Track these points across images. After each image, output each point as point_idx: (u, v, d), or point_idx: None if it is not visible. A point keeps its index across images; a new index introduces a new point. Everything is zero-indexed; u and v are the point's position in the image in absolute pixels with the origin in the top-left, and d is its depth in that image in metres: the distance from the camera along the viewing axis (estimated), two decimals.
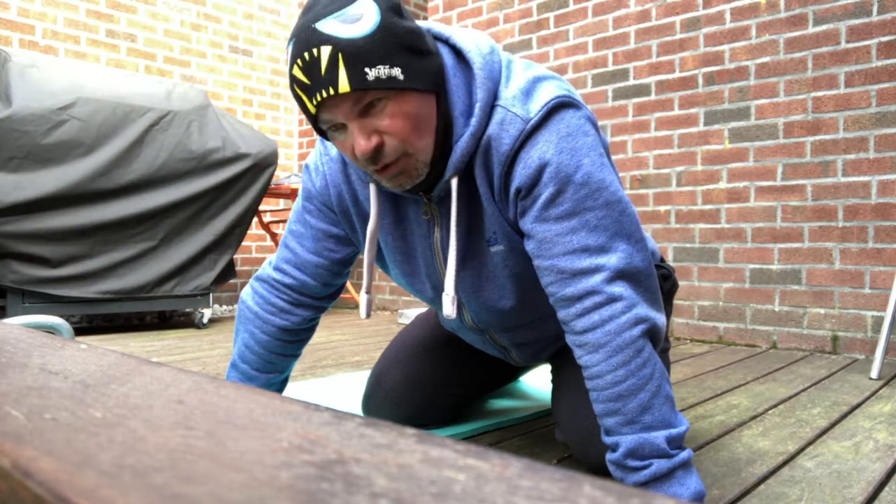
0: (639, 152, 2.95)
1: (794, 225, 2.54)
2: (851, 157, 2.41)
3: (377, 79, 0.81)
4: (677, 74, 2.83)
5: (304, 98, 0.84)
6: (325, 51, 0.80)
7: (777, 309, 2.58)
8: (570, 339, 0.93)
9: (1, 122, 2.47)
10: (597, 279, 0.88)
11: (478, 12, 3.54)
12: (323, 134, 0.91)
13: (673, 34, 2.85)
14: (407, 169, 0.89)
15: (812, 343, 2.50)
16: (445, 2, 3.69)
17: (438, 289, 1.09)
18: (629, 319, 0.88)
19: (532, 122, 0.89)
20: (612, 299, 0.88)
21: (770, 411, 1.57)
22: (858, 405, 1.63)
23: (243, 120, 4.04)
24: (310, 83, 0.82)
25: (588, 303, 0.89)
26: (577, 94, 0.97)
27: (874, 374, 1.95)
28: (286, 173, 4.28)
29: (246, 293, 1.20)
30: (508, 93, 0.92)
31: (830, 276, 2.45)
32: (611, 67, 3.04)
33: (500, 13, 3.44)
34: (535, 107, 0.90)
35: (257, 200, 3.16)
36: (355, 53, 0.80)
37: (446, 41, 0.95)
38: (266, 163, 3.15)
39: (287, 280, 1.15)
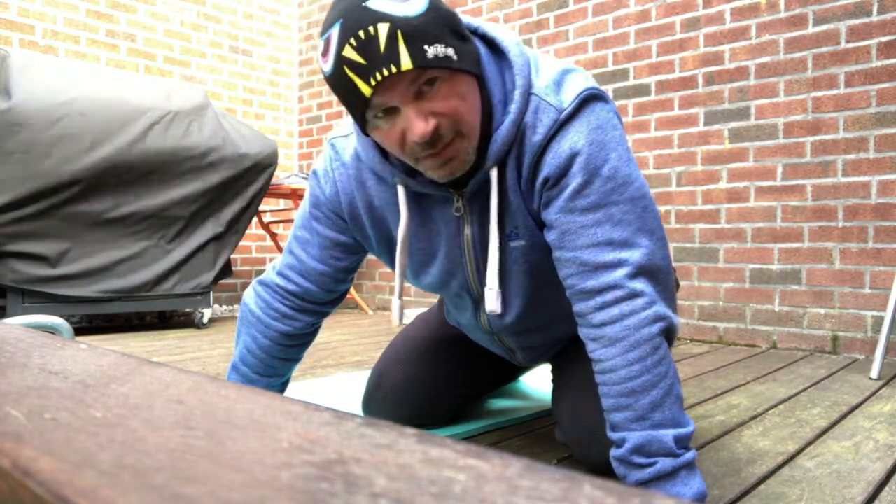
0: (639, 152, 2.95)
1: (794, 225, 2.54)
2: (851, 157, 2.41)
3: (436, 57, 0.79)
4: (677, 74, 2.83)
5: (358, 80, 0.80)
6: (383, 28, 0.77)
7: (777, 309, 2.58)
8: (584, 333, 0.93)
9: (1, 115, 2.46)
10: (619, 274, 0.88)
11: (478, 12, 3.54)
12: (364, 126, 0.88)
13: (673, 34, 2.85)
14: (459, 152, 0.87)
15: (812, 343, 2.50)
16: (445, 2, 3.69)
17: (464, 287, 1.08)
18: (649, 316, 0.88)
19: (566, 112, 0.89)
20: (634, 295, 0.88)
21: (770, 411, 1.57)
22: (858, 405, 1.63)
23: (243, 120, 4.04)
24: (366, 63, 0.78)
25: (609, 297, 0.88)
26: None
27: (874, 374, 1.95)
28: (286, 173, 4.28)
29: (248, 296, 1.19)
30: (541, 82, 0.91)
31: (830, 276, 2.45)
32: (611, 67, 3.04)
33: (500, 13, 3.44)
34: (568, 97, 0.90)
35: (257, 200, 3.16)
36: (413, 31, 0.78)
37: (475, 31, 0.95)
38: (266, 163, 3.15)
39: (290, 286, 1.14)
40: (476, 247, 1.02)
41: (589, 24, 3.11)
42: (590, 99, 0.91)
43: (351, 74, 0.80)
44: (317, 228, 1.10)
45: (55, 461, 0.27)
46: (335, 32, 0.80)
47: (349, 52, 0.79)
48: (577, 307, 0.93)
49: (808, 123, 2.50)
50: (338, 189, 1.06)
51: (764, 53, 2.61)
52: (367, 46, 0.78)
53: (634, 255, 0.89)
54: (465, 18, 0.96)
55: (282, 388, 1.26)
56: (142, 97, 2.84)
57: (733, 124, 2.68)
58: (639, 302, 0.88)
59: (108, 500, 0.23)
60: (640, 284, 0.88)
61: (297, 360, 1.23)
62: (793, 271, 2.54)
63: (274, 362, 1.19)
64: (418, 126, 0.81)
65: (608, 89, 3.04)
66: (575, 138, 0.89)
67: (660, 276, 0.91)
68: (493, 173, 0.93)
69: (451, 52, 0.81)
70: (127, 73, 2.99)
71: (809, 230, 2.50)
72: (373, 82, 0.79)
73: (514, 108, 0.90)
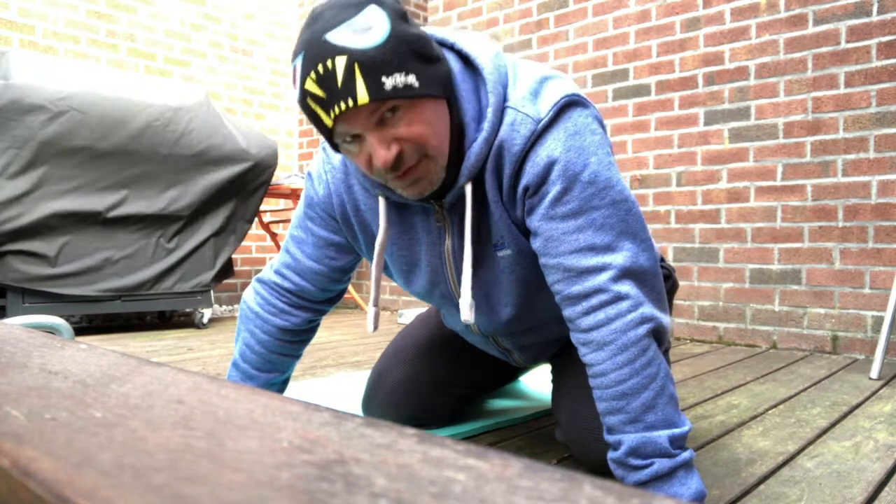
0: (639, 152, 2.95)
1: (794, 225, 2.54)
2: (851, 157, 2.41)
3: (394, 87, 0.80)
4: (677, 74, 2.83)
5: (320, 112, 0.82)
6: (341, 62, 0.79)
7: (777, 309, 2.58)
8: (574, 337, 0.93)
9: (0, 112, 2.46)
10: (603, 278, 0.88)
11: (478, 12, 3.54)
12: (335, 147, 0.90)
13: (673, 34, 2.85)
14: (426, 174, 0.88)
15: (812, 343, 2.50)
16: (445, 2, 3.69)
17: (446, 296, 1.09)
18: (635, 318, 0.88)
19: (543, 121, 0.90)
20: (619, 298, 0.88)
21: (770, 411, 1.57)
22: (858, 405, 1.63)
23: (243, 120, 4.04)
24: (325, 96, 0.81)
25: (594, 301, 0.89)
26: (582, 92, 0.97)
27: (874, 374, 1.95)
28: (286, 173, 4.28)
29: (248, 294, 1.21)
30: (517, 94, 0.92)
31: (830, 276, 2.45)
32: (611, 67, 3.04)
33: (500, 13, 3.44)
34: (545, 106, 0.90)
35: (257, 200, 3.16)
36: (371, 64, 0.79)
37: (451, 47, 0.95)
38: (266, 163, 3.15)
39: (287, 284, 1.16)
40: (456, 257, 1.03)
41: (589, 24, 3.10)
42: (567, 106, 0.91)
43: (314, 105, 0.82)
44: (311, 228, 1.12)
45: (55, 461, 0.27)
46: (299, 63, 0.83)
47: (310, 85, 0.81)
48: (566, 312, 0.93)
49: (808, 123, 2.50)
50: (330, 191, 1.07)
51: (764, 53, 2.61)
52: (326, 80, 0.80)
53: (618, 259, 0.89)
54: (441, 32, 0.95)
55: (282, 386, 1.26)
56: (141, 95, 2.83)
57: (733, 124, 2.68)
58: (624, 305, 0.88)
59: (108, 500, 0.23)
60: (625, 287, 0.88)
61: (296, 356, 1.24)
62: (793, 271, 2.54)
63: (273, 358, 1.20)
64: (380, 153, 0.83)
65: (608, 89, 3.04)
66: (552, 146, 0.89)
67: (646, 277, 0.91)
68: (468, 188, 0.94)
69: (412, 79, 0.82)
70: (127, 73, 2.98)
71: (809, 230, 2.50)
72: (332, 115, 0.82)
73: (486, 125, 0.90)
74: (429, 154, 0.87)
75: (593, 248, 0.89)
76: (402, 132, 0.84)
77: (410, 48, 0.82)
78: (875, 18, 2.36)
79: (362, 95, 0.79)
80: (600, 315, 0.89)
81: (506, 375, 1.50)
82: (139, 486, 0.24)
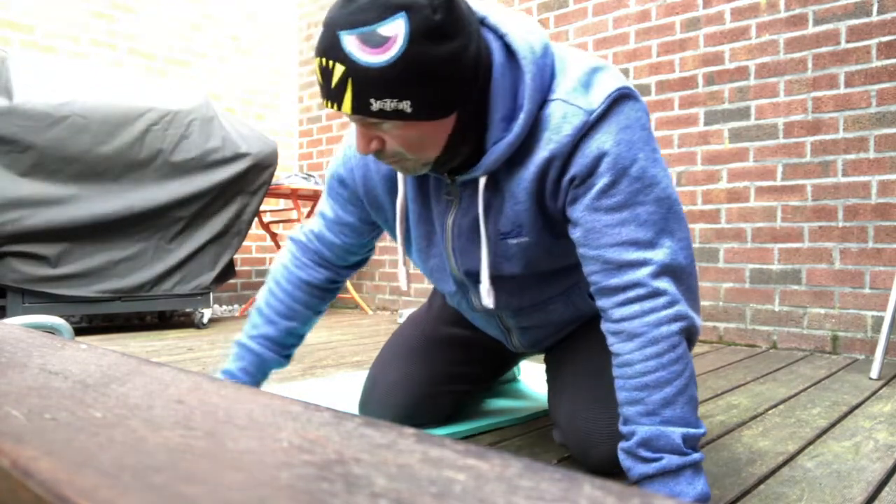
0: None
1: (794, 225, 2.54)
2: (851, 157, 2.41)
3: (381, 111, 0.82)
4: (677, 74, 2.83)
5: (321, 89, 0.87)
6: (339, 69, 0.81)
7: (777, 309, 2.58)
8: (605, 327, 0.94)
9: (1, 115, 2.46)
10: (643, 272, 0.89)
11: None
12: None
13: (673, 34, 2.85)
14: (404, 168, 0.93)
15: (812, 343, 2.50)
16: None
17: (445, 269, 1.12)
18: (669, 315, 0.88)
19: (595, 113, 0.89)
20: (657, 293, 0.89)
21: (770, 411, 1.57)
22: (858, 405, 1.63)
23: (243, 120, 4.04)
24: (323, 84, 0.85)
25: (631, 294, 0.90)
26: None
27: (874, 374, 1.95)
28: (286, 173, 4.28)
29: (280, 252, 1.30)
30: (567, 85, 0.91)
31: (830, 276, 2.45)
32: None
33: None
34: (597, 98, 0.90)
35: (257, 200, 3.16)
36: (364, 83, 0.80)
37: (502, 36, 0.92)
38: (266, 163, 3.15)
39: (311, 246, 1.25)
40: (455, 232, 1.04)
41: (589, 24, 3.10)
42: (620, 99, 0.91)
43: (317, 80, 0.88)
44: (332, 205, 1.19)
45: (55, 461, 0.27)
46: (319, 36, 0.85)
47: (316, 67, 0.85)
48: (600, 302, 0.94)
49: (808, 123, 2.50)
50: (352, 165, 1.11)
51: (764, 53, 2.61)
52: (325, 75, 0.84)
53: (658, 255, 0.89)
54: (495, 17, 0.91)
55: (298, 339, 1.29)
56: (142, 98, 2.84)
57: (733, 124, 2.68)
58: (660, 301, 0.89)
59: (108, 500, 0.23)
60: (663, 283, 0.89)
61: (316, 311, 1.28)
62: (793, 271, 2.54)
63: (295, 306, 1.25)
64: (358, 145, 0.89)
65: None
66: (603, 139, 0.89)
67: (683, 276, 0.91)
68: (482, 182, 0.95)
69: (404, 105, 0.82)
70: (127, 74, 2.99)
71: (809, 230, 2.50)
72: (324, 102, 0.86)
73: (515, 128, 0.90)
74: (407, 157, 0.90)
75: (636, 243, 0.90)
76: (385, 137, 0.88)
77: (418, 72, 0.80)
78: (875, 18, 2.36)
79: (346, 107, 0.83)
80: (635, 307, 0.89)
81: (501, 366, 1.49)
82: (139, 486, 0.24)
